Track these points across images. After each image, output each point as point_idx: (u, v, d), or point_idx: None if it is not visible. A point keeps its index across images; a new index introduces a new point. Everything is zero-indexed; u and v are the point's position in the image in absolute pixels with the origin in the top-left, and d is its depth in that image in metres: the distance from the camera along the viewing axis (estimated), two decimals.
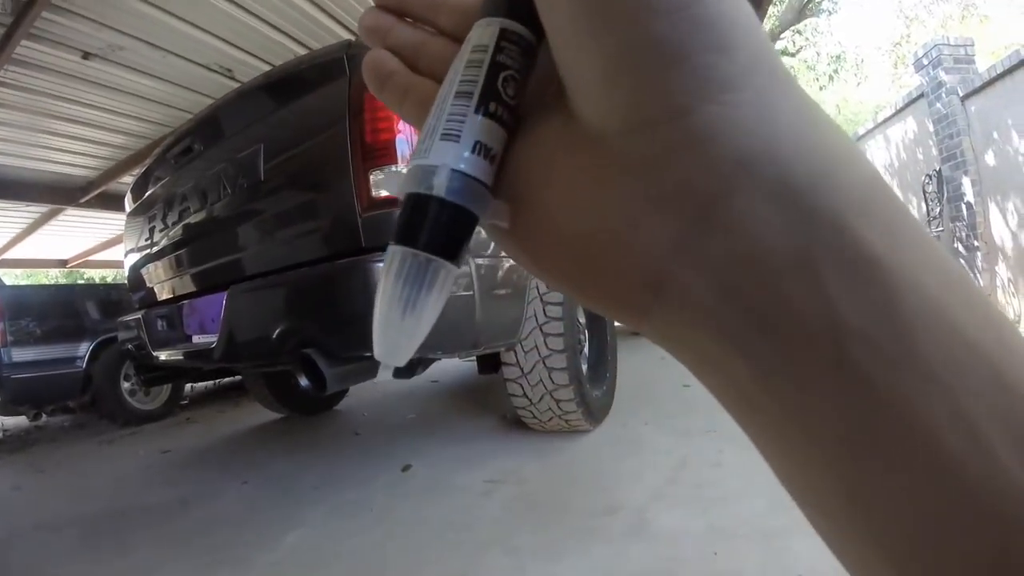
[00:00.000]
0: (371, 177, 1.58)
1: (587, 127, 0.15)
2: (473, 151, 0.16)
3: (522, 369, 2.18)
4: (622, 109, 0.14)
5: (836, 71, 10.19)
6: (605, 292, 0.16)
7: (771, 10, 7.56)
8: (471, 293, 1.74)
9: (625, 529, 1.53)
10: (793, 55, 9.48)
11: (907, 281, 0.13)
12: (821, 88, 10.82)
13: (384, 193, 1.52)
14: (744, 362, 0.14)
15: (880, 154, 6.21)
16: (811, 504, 0.14)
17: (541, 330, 2.12)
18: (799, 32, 9.16)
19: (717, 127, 0.13)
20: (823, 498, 0.14)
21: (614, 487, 1.86)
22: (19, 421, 5.27)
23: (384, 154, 1.58)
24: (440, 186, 0.16)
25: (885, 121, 5.94)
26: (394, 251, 0.17)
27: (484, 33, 0.17)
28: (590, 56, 0.14)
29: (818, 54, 10.20)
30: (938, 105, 4.70)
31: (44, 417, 5.08)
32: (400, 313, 0.16)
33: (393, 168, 1.56)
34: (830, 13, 9.31)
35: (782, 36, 8.36)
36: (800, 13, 7.93)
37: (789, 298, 0.13)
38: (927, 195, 4.95)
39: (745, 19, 0.14)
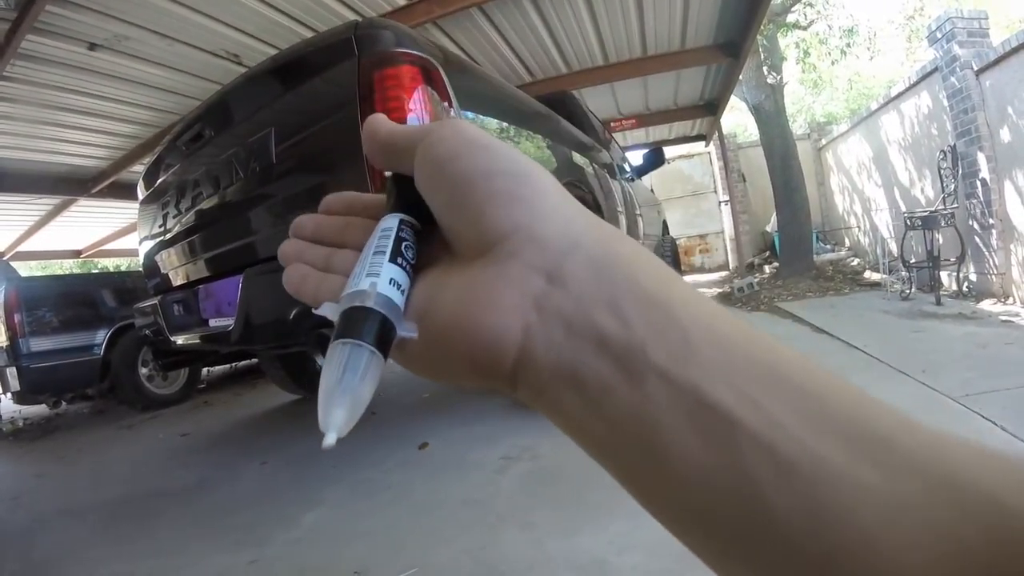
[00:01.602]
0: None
1: (463, 258, 0.24)
2: (390, 284, 0.23)
3: None
4: (488, 234, 0.22)
5: (849, 45, 9.88)
6: (482, 366, 0.22)
7: None
8: None
9: None
10: (804, 28, 9.16)
11: (680, 307, 0.20)
12: (833, 62, 10.46)
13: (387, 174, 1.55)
14: (581, 393, 0.20)
15: (894, 130, 6.07)
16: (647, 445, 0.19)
17: None
18: (810, 4, 8.90)
19: (547, 232, 0.22)
20: (667, 449, 0.19)
21: None
22: (39, 409, 5.37)
23: None
24: (370, 298, 0.22)
25: (899, 96, 5.80)
26: (336, 344, 0.21)
27: (390, 220, 0.25)
28: (460, 218, 0.23)
29: (830, 27, 9.90)
30: (952, 79, 4.57)
31: (64, 405, 5.17)
32: (342, 394, 0.20)
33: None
34: None
35: (793, 9, 8.14)
36: None
37: (604, 325, 0.20)
38: (942, 171, 4.83)
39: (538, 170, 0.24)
